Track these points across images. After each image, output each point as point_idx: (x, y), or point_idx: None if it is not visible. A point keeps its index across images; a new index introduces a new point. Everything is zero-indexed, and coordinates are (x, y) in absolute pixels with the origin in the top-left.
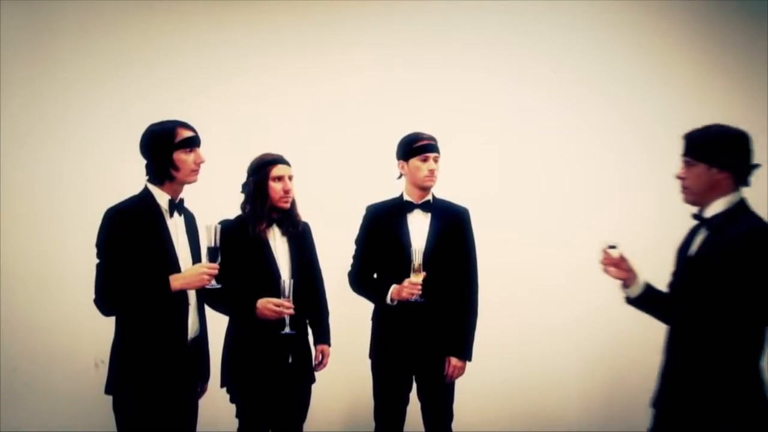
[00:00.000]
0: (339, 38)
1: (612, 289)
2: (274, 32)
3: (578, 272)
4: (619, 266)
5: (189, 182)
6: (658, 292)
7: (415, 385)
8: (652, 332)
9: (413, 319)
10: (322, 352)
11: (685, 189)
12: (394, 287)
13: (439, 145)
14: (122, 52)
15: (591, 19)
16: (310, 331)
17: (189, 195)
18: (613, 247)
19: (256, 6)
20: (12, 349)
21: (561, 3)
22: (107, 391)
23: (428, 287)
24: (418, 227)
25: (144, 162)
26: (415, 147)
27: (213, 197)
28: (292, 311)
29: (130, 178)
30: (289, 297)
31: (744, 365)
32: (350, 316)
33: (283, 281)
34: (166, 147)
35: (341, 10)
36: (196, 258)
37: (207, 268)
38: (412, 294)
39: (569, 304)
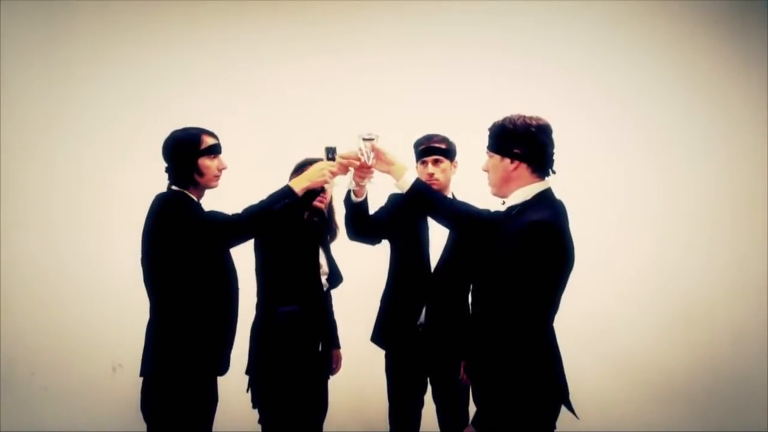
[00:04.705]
0: (355, 38)
1: (618, 288)
2: (289, 31)
3: (589, 271)
4: (378, 157)
5: (211, 187)
6: (433, 193)
7: (430, 388)
8: (657, 330)
9: (429, 322)
10: (335, 356)
11: (489, 181)
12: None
13: (459, 147)
14: (129, 50)
15: (593, 20)
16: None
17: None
18: (369, 139)
19: (269, 5)
20: (30, 354)
21: (564, 4)
22: (142, 373)
23: (444, 289)
24: (437, 227)
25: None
26: (417, 151)
27: (222, 198)
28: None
29: (150, 178)
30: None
31: (532, 333)
32: (365, 319)
33: (330, 148)
34: (191, 153)
35: (356, 10)
36: None
37: (328, 164)
38: (363, 177)
39: (581, 302)
